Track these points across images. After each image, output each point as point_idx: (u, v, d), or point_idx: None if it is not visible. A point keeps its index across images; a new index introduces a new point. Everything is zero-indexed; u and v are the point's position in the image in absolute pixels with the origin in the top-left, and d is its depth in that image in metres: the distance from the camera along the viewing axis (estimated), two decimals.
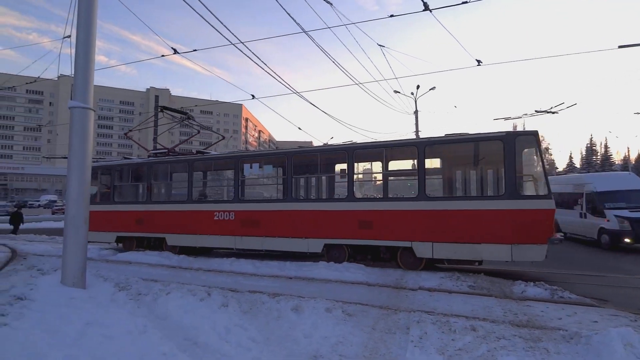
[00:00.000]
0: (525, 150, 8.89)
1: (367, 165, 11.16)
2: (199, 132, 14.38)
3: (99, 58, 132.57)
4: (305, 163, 11.15)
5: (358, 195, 10.06)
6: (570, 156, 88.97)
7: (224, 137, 15.74)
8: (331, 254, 9.90)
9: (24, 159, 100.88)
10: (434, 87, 25.34)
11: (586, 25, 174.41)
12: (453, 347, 4.36)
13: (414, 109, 25.88)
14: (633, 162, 69.68)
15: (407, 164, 10.55)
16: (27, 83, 16.95)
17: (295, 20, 10.25)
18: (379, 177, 10.84)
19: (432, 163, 10.48)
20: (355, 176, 9.86)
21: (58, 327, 4.50)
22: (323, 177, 11.71)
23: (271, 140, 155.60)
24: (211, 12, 9.21)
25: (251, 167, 10.96)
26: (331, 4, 10.39)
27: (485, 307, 5.97)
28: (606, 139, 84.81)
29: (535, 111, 14.65)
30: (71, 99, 6.27)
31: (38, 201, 66.06)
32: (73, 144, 6.21)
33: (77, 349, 4.11)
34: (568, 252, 13.24)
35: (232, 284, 7.38)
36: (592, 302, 6.35)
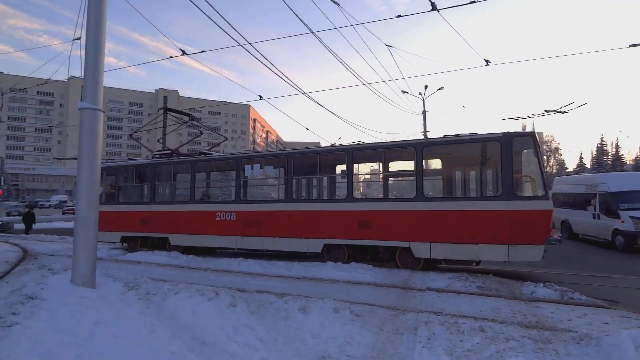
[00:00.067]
0: (523, 150, 8.90)
1: (366, 166, 11.22)
2: (201, 133, 14.50)
3: (109, 59, 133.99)
4: (305, 164, 11.24)
5: (357, 195, 10.14)
6: (580, 156, 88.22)
7: (226, 139, 15.89)
8: (331, 254, 9.96)
9: (35, 159, 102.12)
10: (442, 87, 25.23)
11: (596, 24, 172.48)
12: (461, 348, 4.34)
13: (422, 109, 25.79)
14: None
15: (405, 165, 10.58)
16: (38, 85, 17.16)
17: (302, 21, 10.27)
18: (378, 177, 10.92)
19: (430, 164, 10.51)
20: (354, 177, 9.91)
21: (68, 326, 4.55)
22: (323, 177, 11.79)
23: (279, 140, 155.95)
24: (219, 13, 9.25)
25: (252, 168, 11.07)
26: (338, 4, 10.38)
27: (494, 308, 5.93)
28: (617, 139, 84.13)
29: (545, 111, 14.46)
30: (81, 100, 6.34)
31: (49, 201, 66.76)
32: (83, 144, 6.28)
33: (87, 348, 4.16)
34: (580, 254, 13.09)
35: (240, 284, 7.40)
36: (603, 304, 6.28)
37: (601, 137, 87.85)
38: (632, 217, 13.05)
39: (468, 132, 8.99)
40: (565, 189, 18.35)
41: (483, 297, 6.70)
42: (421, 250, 8.86)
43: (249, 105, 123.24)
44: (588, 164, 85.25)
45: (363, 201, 9.91)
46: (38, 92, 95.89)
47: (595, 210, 14.85)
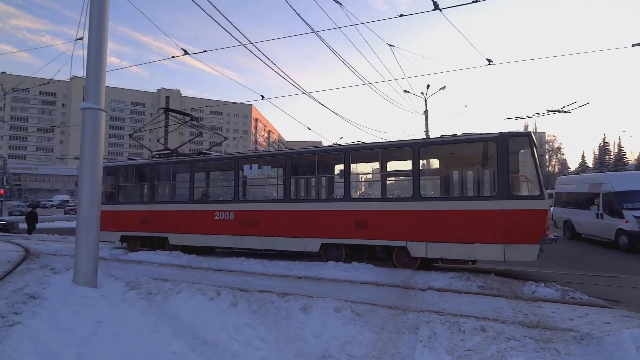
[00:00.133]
0: (519, 150, 8.92)
1: (363, 165, 11.27)
2: (200, 133, 14.54)
3: (111, 59, 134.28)
4: (303, 164, 11.31)
5: (354, 195, 10.17)
6: (582, 156, 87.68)
7: (226, 138, 15.97)
8: (328, 253, 10.01)
9: (37, 159, 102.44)
10: (444, 87, 25.18)
11: (599, 23, 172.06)
12: (462, 347, 4.34)
13: (424, 109, 25.75)
14: None
15: (402, 165, 10.61)
16: (40, 85, 17.17)
17: (304, 21, 10.27)
18: (375, 177, 11.01)
19: (427, 164, 10.55)
20: (351, 177, 9.95)
21: (70, 325, 4.56)
22: (320, 177, 11.84)
23: (281, 140, 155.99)
24: (221, 13, 9.26)
25: (250, 168, 11.14)
26: (340, 4, 10.37)
27: (495, 308, 5.93)
28: (620, 139, 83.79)
29: (547, 110, 14.41)
30: (83, 100, 6.35)
31: (51, 201, 66.97)
32: (85, 144, 6.30)
33: (89, 347, 4.17)
34: (582, 254, 13.06)
35: (242, 284, 7.41)
36: (604, 303, 6.28)
37: (603, 136, 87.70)
38: (636, 217, 12.96)
39: (469, 132, 9.01)
40: (568, 188, 18.26)
41: (484, 296, 6.70)
42: (418, 249, 8.91)
43: (251, 105, 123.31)
44: (590, 163, 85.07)
45: (360, 201, 9.98)
46: (40, 92, 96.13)
47: (598, 210, 14.76)
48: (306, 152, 10.88)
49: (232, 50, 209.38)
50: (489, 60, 10.73)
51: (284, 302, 5.74)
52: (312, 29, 10.55)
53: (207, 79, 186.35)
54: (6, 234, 20.08)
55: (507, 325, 4.90)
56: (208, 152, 13.45)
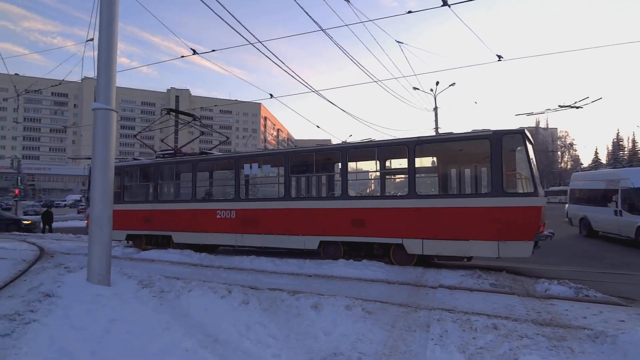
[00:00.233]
0: (513, 148, 8.91)
1: (360, 164, 11.34)
2: (202, 133, 14.67)
3: (121, 60, 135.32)
4: (301, 163, 11.40)
5: (351, 193, 10.25)
6: (595, 152, 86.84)
7: (228, 138, 16.14)
8: (327, 250, 10.10)
9: (50, 159, 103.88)
10: (454, 83, 25.01)
11: (611, 17, 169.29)
12: (474, 345, 4.31)
13: (434, 106, 25.59)
14: None
15: (398, 163, 10.67)
16: (52, 86, 17.40)
17: (312, 19, 10.26)
18: (372, 175, 11.12)
19: (422, 162, 10.60)
20: (348, 175, 10.01)
21: (84, 323, 4.63)
22: (318, 176, 11.91)
23: (290, 138, 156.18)
24: (229, 12, 9.29)
25: (251, 167, 11.27)
26: (348, 1, 10.35)
27: (508, 306, 5.88)
28: (634, 134, 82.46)
29: (559, 106, 14.23)
30: (94, 101, 6.42)
31: (64, 201, 67.84)
32: (96, 144, 6.37)
33: (103, 344, 4.24)
34: (598, 252, 12.81)
35: (252, 282, 7.44)
36: (619, 301, 6.18)
37: (617, 132, 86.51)
38: None
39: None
40: (583, 184, 17.74)
41: (496, 294, 6.65)
42: (414, 246, 8.97)
43: (260, 103, 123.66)
44: (604, 159, 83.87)
45: (357, 199, 10.03)
46: (52, 93, 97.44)
47: (617, 207, 14.23)
48: (304, 151, 11.02)
49: (240, 49, 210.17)
50: (499, 56, 10.61)
51: (295, 300, 5.76)
52: (320, 27, 10.54)
53: (216, 78, 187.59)
54: (28, 233, 20.39)
55: (520, 323, 4.85)
56: (210, 151, 13.58)
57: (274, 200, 11.12)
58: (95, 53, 6.58)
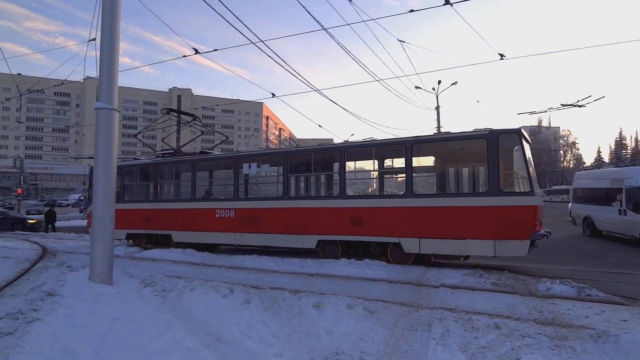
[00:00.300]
0: (509, 147, 8.92)
1: (358, 163, 11.39)
2: (202, 133, 14.72)
3: (123, 59, 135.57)
4: (300, 162, 11.47)
5: (349, 192, 10.30)
6: (598, 150, 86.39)
7: (227, 137, 16.23)
8: (325, 249, 10.14)
9: (53, 159, 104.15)
10: (456, 82, 24.97)
11: (614, 15, 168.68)
12: (476, 344, 4.31)
13: (436, 105, 25.54)
14: None
15: (395, 162, 10.67)
16: (55, 85, 17.43)
17: (314, 18, 10.25)
18: (369, 175, 11.18)
19: (419, 161, 10.65)
20: (346, 174, 10.05)
21: (87, 322, 4.65)
22: (317, 175, 11.94)
23: (292, 138, 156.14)
24: (231, 12, 9.29)
25: (249, 167, 11.29)
26: (350, 0, 10.34)
27: (509, 305, 5.87)
28: (637, 132, 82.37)
29: (561, 105, 14.21)
30: (97, 100, 6.44)
31: (67, 200, 67.98)
32: (99, 144, 6.39)
33: (105, 343, 4.25)
34: (601, 251, 12.74)
35: (254, 281, 7.45)
36: (621, 301, 6.16)
37: (620, 130, 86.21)
38: None
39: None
40: (587, 183, 17.62)
41: (498, 293, 6.64)
42: (411, 245, 9.00)
43: (262, 102, 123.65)
44: (606, 158, 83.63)
45: (355, 198, 10.05)
46: (55, 93, 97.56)
47: (621, 206, 14.09)
48: (303, 151, 11.08)
49: (242, 49, 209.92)
50: (501, 55, 10.59)
51: (297, 299, 5.76)
52: (322, 26, 10.53)
53: (218, 77, 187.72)
54: (32, 232, 20.46)
55: (522, 323, 4.84)
56: (210, 151, 13.61)
57: (273, 199, 11.15)
58: (98, 53, 6.61)
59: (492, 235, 8.18)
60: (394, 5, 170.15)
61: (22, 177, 36.29)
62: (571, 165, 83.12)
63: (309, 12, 10.13)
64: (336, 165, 10.08)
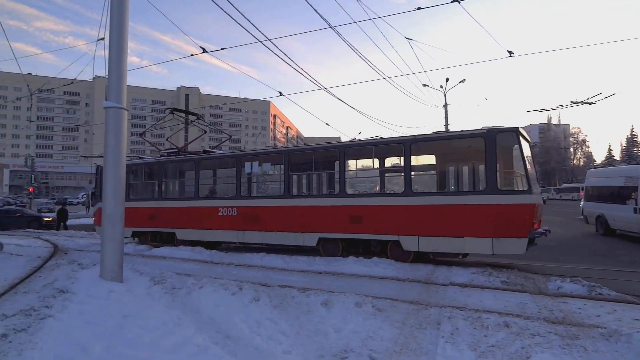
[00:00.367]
0: (506, 146, 8.95)
1: (357, 162, 11.46)
2: (205, 132, 14.78)
3: (132, 59, 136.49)
4: (300, 161, 11.53)
5: (349, 191, 10.39)
6: (609, 148, 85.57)
7: (230, 136, 16.35)
8: (326, 247, 10.20)
9: (63, 158, 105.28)
10: (464, 80, 24.79)
11: (626, 11, 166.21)
12: (485, 343, 4.28)
13: (444, 102, 25.40)
14: None
15: (395, 161, 10.75)
16: (64, 85, 17.55)
17: (321, 16, 10.23)
18: (369, 173, 11.24)
19: (418, 160, 10.68)
20: (346, 173, 10.14)
21: (98, 319, 4.70)
22: (318, 174, 12.01)
23: (299, 136, 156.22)
24: (239, 11, 9.31)
25: (251, 165, 11.40)
26: None
27: (519, 303, 5.83)
28: None
29: (571, 102, 14.07)
30: (106, 99, 6.49)
31: (77, 198, 68.70)
32: (108, 142, 6.44)
33: (116, 339, 4.29)
34: (614, 250, 12.56)
35: (263, 279, 7.48)
36: (633, 300, 6.09)
37: (631, 128, 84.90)
38: None
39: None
40: (600, 182, 17.26)
41: (507, 292, 6.60)
42: (410, 243, 9.04)
43: (269, 101, 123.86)
44: (617, 156, 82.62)
45: (355, 196, 10.15)
46: (65, 92, 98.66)
47: (636, 205, 13.72)
48: (303, 150, 11.25)
49: (249, 47, 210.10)
50: (510, 52, 10.51)
51: (305, 297, 5.77)
52: (329, 24, 10.52)
53: (225, 76, 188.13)
54: (46, 230, 20.73)
55: (532, 321, 4.81)
56: (213, 150, 13.68)
57: (274, 197, 11.25)
58: (106, 52, 6.66)
59: (490, 233, 8.22)
60: (401, 2, 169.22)
61: (33, 175, 36.75)
62: (581, 163, 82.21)
63: (316, 11, 10.12)
64: (336, 164, 10.15)
